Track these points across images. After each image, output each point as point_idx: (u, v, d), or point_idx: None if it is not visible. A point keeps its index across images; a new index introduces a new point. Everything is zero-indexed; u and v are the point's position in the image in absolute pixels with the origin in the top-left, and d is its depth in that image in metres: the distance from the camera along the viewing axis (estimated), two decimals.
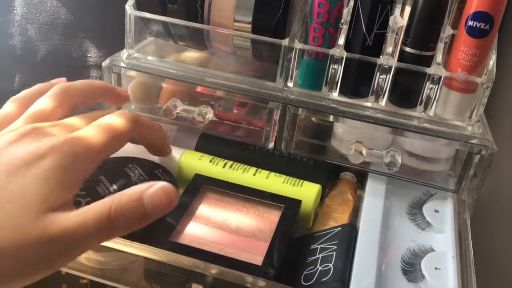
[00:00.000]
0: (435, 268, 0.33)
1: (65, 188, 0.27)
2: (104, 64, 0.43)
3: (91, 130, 0.30)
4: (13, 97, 0.33)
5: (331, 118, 0.41)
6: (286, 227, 0.36)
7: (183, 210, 0.36)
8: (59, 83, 0.34)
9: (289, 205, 0.38)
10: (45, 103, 0.32)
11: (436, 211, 0.39)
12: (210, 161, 0.41)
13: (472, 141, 0.38)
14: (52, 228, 0.25)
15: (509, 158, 0.50)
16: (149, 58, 0.44)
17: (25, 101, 0.33)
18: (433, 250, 0.35)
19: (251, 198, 0.39)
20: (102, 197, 0.36)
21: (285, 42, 0.40)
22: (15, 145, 0.28)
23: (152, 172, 0.39)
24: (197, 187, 0.39)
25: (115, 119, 0.32)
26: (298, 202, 0.38)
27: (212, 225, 0.36)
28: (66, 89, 0.33)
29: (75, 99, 0.34)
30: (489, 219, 0.50)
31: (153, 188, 0.27)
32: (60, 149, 0.28)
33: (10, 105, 0.33)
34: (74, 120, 0.32)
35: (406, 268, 0.34)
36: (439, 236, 0.37)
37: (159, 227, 0.34)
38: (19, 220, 0.25)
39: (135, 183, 0.37)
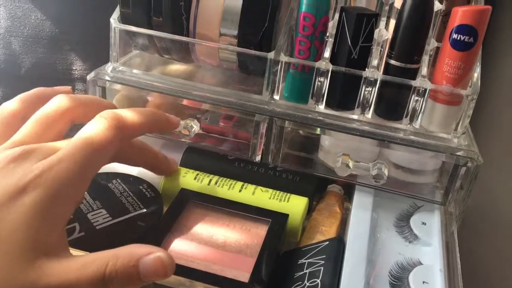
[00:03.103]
0: (423, 282, 0.33)
1: (54, 223, 0.26)
2: (89, 77, 0.43)
3: (69, 149, 0.28)
4: (21, 95, 0.32)
5: (318, 130, 0.40)
6: (273, 242, 0.36)
7: (168, 226, 0.36)
8: (66, 91, 0.33)
9: (276, 220, 0.38)
10: (50, 110, 0.30)
11: (424, 223, 0.39)
12: (195, 178, 0.41)
13: (458, 153, 0.39)
14: (45, 280, 0.24)
15: (495, 170, 0.51)
16: (135, 71, 0.43)
17: (32, 101, 0.32)
18: (421, 263, 0.35)
19: (237, 213, 0.38)
20: (86, 215, 0.35)
21: (271, 55, 0.40)
22: (2, 172, 0.26)
23: (137, 188, 0.39)
24: (183, 202, 0.38)
25: (96, 130, 0.29)
26: (285, 216, 0.38)
27: (198, 241, 0.36)
28: (69, 101, 0.32)
29: (80, 111, 0.32)
30: (475, 230, 0.50)
31: (150, 257, 0.26)
32: (43, 180, 0.26)
33: (15, 104, 0.32)
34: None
35: (394, 282, 0.34)
36: (427, 249, 0.37)
37: (145, 243, 0.34)
38: (10, 267, 0.24)
39: (119, 200, 0.37)
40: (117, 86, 0.43)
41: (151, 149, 0.38)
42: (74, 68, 0.55)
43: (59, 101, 0.32)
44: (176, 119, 0.37)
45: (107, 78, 0.42)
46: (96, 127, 0.29)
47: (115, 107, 0.34)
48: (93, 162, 0.28)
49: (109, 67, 0.43)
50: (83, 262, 0.26)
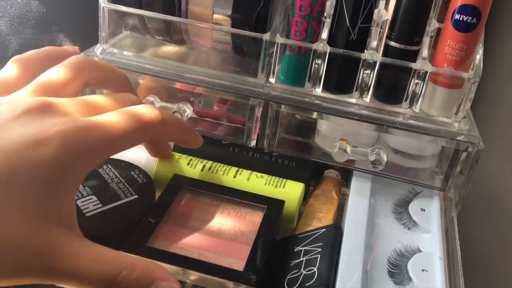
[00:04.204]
0: (422, 270, 0.32)
1: (68, 188, 0.24)
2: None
3: (115, 117, 0.26)
4: (16, 56, 0.30)
5: (315, 114, 0.39)
6: (269, 229, 0.35)
7: (161, 213, 0.35)
8: (75, 52, 0.31)
9: (272, 206, 0.37)
10: (60, 73, 0.28)
11: (423, 209, 0.38)
12: (188, 163, 0.40)
13: (458, 138, 0.37)
14: (57, 255, 0.23)
15: (495, 155, 0.50)
16: (125, 53, 0.42)
17: (31, 63, 0.29)
18: (420, 251, 0.34)
19: (232, 199, 0.37)
20: (75, 202, 0.34)
21: (267, 36, 0.38)
22: (17, 121, 0.24)
23: (128, 174, 0.37)
24: (176, 188, 0.37)
25: (145, 110, 0.28)
26: (281, 202, 0.37)
27: (191, 228, 0.35)
28: (88, 61, 0.30)
29: (94, 75, 0.30)
30: (475, 216, 0.50)
31: (165, 285, 0.25)
32: (67, 138, 0.24)
33: (12, 67, 0.29)
34: (97, 99, 0.28)
35: (392, 270, 0.33)
36: (426, 236, 0.36)
37: (136, 231, 0.33)
38: (19, 225, 0.22)
39: (110, 186, 0.36)
40: None
41: (182, 123, 0.35)
42: None
43: (76, 61, 0.30)
44: (199, 137, 0.36)
45: (96, 60, 0.41)
46: (139, 115, 0.28)
47: (127, 78, 0.34)
48: (120, 145, 0.27)
49: (98, 48, 0.42)
50: (98, 255, 0.24)
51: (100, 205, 0.34)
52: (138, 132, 0.28)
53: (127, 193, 0.36)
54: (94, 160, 0.26)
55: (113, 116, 0.27)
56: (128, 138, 0.27)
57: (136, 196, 0.36)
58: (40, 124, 0.24)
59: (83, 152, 0.25)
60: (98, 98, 0.29)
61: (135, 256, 0.25)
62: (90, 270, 0.23)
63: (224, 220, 0.36)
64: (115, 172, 0.37)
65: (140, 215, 0.34)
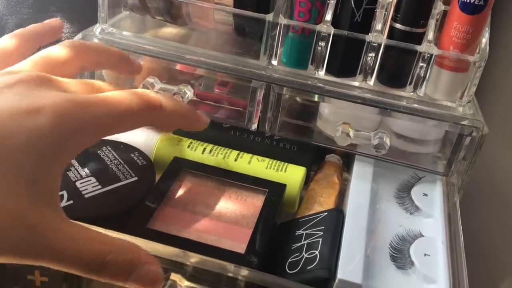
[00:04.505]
0: (425, 255, 0.32)
1: (59, 162, 0.23)
2: (76, 38, 0.40)
3: (120, 95, 0.25)
4: (14, 31, 0.29)
5: (317, 98, 0.39)
6: (270, 213, 0.34)
7: (161, 195, 0.34)
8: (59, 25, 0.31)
9: (273, 190, 0.36)
10: (59, 51, 0.28)
11: (425, 194, 0.38)
12: (188, 146, 0.39)
13: (462, 123, 0.37)
14: (48, 235, 0.22)
15: (497, 142, 0.49)
16: (125, 33, 0.41)
17: (29, 37, 0.29)
18: (422, 236, 0.34)
19: (233, 183, 0.37)
20: (74, 183, 0.33)
21: (269, 17, 0.37)
22: (12, 90, 0.23)
23: (128, 156, 0.37)
24: (176, 171, 0.37)
25: (145, 92, 0.27)
26: (283, 186, 0.37)
27: (192, 211, 0.34)
28: (84, 45, 0.29)
29: (90, 58, 0.30)
30: (475, 204, 0.49)
31: (152, 267, 0.24)
32: (64, 110, 0.23)
33: (10, 40, 0.28)
34: (98, 82, 0.28)
35: (394, 255, 0.32)
36: (428, 221, 0.36)
37: (136, 213, 0.32)
38: (6, 200, 0.21)
39: (109, 168, 0.35)
40: None
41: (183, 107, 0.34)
42: None
43: (74, 44, 0.29)
44: (206, 118, 0.33)
45: (95, 40, 0.40)
46: (140, 94, 0.27)
47: (125, 57, 0.33)
48: (119, 125, 0.26)
49: (97, 28, 0.41)
50: (86, 236, 0.24)
51: (99, 186, 0.34)
52: (139, 113, 0.27)
53: (127, 175, 0.35)
54: (91, 137, 0.25)
55: (114, 93, 0.26)
56: (127, 117, 0.26)
57: (135, 178, 0.35)
58: (37, 95, 0.23)
59: (80, 128, 0.24)
60: (98, 81, 0.28)
61: (121, 238, 0.25)
62: (78, 250, 0.23)
63: (225, 203, 0.35)
64: (115, 154, 0.37)
65: (140, 197, 0.34)
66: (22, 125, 0.22)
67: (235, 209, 0.35)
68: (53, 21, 0.33)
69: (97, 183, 0.34)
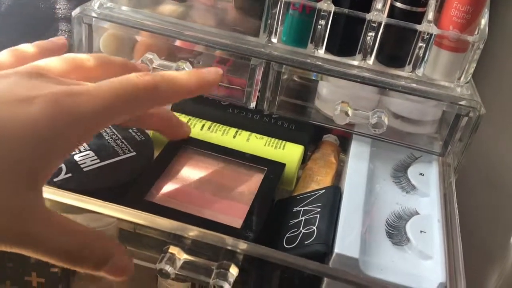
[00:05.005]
0: (420, 231, 0.32)
1: (50, 153, 0.23)
2: (74, 13, 0.40)
3: (108, 83, 0.25)
4: (11, 47, 0.29)
5: (318, 76, 0.39)
6: (268, 190, 0.34)
7: (159, 170, 0.34)
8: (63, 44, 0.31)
9: (272, 168, 0.36)
10: (54, 62, 0.28)
11: (421, 174, 0.38)
12: (187, 122, 0.39)
13: (460, 103, 0.37)
14: (27, 221, 0.22)
15: (492, 125, 0.49)
16: (123, 8, 0.41)
17: (25, 54, 0.29)
18: (418, 213, 0.34)
19: (231, 160, 0.37)
20: (72, 156, 0.33)
21: None
22: (5, 80, 0.24)
23: (126, 131, 0.37)
24: (175, 148, 0.37)
25: (136, 75, 0.27)
26: (282, 165, 0.37)
27: (190, 186, 0.34)
28: (108, 58, 0.30)
29: (90, 73, 0.30)
30: (469, 186, 0.50)
31: (125, 260, 0.25)
32: (58, 100, 0.23)
33: (5, 54, 0.29)
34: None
35: (390, 231, 0.33)
36: (424, 200, 0.36)
37: (134, 186, 0.32)
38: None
39: (108, 142, 0.35)
40: (105, 24, 0.40)
41: (165, 114, 0.35)
42: (57, 7, 0.52)
43: (97, 56, 0.30)
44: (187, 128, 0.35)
45: (94, 14, 0.40)
46: (130, 79, 0.27)
47: (126, 64, 0.32)
48: (114, 112, 0.26)
49: (95, 3, 0.41)
50: (67, 227, 0.24)
51: (98, 160, 0.34)
52: (132, 97, 0.27)
53: (125, 150, 0.35)
54: (85, 129, 0.25)
55: (105, 82, 0.26)
56: (122, 103, 0.26)
57: (134, 153, 0.35)
58: (31, 85, 0.24)
59: (73, 119, 0.24)
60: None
61: (99, 231, 0.25)
62: (57, 240, 0.23)
63: (223, 180, 0.35)
64: (113, 129, 0.37)
65: (138, 172, 0.34)
66: (13, 113, 0.22)
67: (233, 186, 0.35)
68: (59, 38, 0.33)
69: (95, 157, 0.34)
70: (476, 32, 0.37)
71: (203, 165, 0.36)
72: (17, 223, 0.22)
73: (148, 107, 0.29)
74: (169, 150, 0.36)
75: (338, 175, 0.41)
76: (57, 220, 0.24)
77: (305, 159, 0.41)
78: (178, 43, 0.39)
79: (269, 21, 0.39)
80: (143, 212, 0.29)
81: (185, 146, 0.37)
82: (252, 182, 0.35)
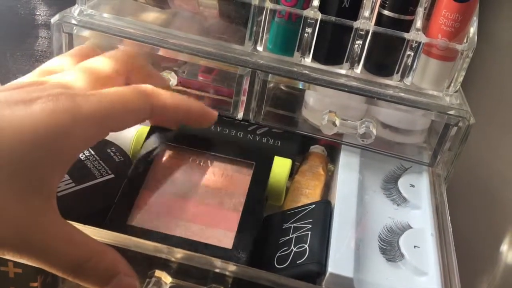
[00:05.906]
0: (414, 246, 0.32)
1: (58, 158, 0.23)
2: (53, 20, 0.38)
3: (118, 91, 0.26)
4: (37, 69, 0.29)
5: (303, 85, 0.38)
6: (259, 190, 0.33)
7: (138, 185, 0.32)
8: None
9: (261, 162, 0.35)
10: (79, 78, 0.27)
11: (412, 185, 0.37)
12: None
13: (449, 112, 0.37)
14: (31, 229, 0.22)
15: (481, 134, 0.49)
16: (105, 15, 0.39)
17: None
18: (411, 227, 0.33)
19: (217, 156, 0.35)
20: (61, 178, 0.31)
21: (255, 1, 0.36)
22: (16, 90, 0.24)
23: (104, 152, 0.35)
24: (155, 147, 0.35)
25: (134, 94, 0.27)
26: (271, 157, 0.36)
27: (174, 194, 0.32)
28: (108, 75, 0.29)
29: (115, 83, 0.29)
30: (462, 196, 0.49)
31: (129, 279, 0.25)
32: (59, 101, 0.23)
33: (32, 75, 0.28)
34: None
35: (384, 247, 0.32)
36: (416, 212, 0.35)
37: (114, 207, 0.31)
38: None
39: (84, 164, 0.33)
40: (85, 32, 0.38)
41: (185, 105, 0.33)
42: (37, 13, 0.50)
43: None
44: (214, 113, 0.33)
45: (74, 22, 0.38)
46: (135, 93, 0.27)
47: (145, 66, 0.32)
48: (117, 123, 0.26)
49: (76, 9, 0.39)
50: (72, 237, 0.24)
51: (73, 184, 0.32)
52: (139, 109, 0.27)
53: (103, 172, 0.33)
54: (89, 134, 0.24)
55: (112, 90, 0.26)
56: (127, 114, 0.26)
57: (112, 176, 0.33)
58: (36, 89, 0.23)
59: (75, 124, 0.23)
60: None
61: (105, 244, 0.24)
62: (61, 251, 0.23)
63: (209, 182, 0.34)
64: (90, 150, 0.35)
65: (116, 195, 0.32)
66: (14, 114, 0.22)
67: (221, 188, 0.33)
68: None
69: (70, 181, 0.32)
70: (465, 41, 0.37)
71: (187, 166, 0.34)
72: (19, 234, 0.22)
73: (144, 120, 0.29)
74: (148, 152, 0.34)
75: (327, 187, 0.40)
76: (63, 230, 0.23)
77: (292, 171, 0.40)
78: (161, 51, 0.38)
79: (254, 29, 0.37)
80: (126, 236, 0.27)
81: (166, 143, 0.35)
82: (241, 182, 0.34)
